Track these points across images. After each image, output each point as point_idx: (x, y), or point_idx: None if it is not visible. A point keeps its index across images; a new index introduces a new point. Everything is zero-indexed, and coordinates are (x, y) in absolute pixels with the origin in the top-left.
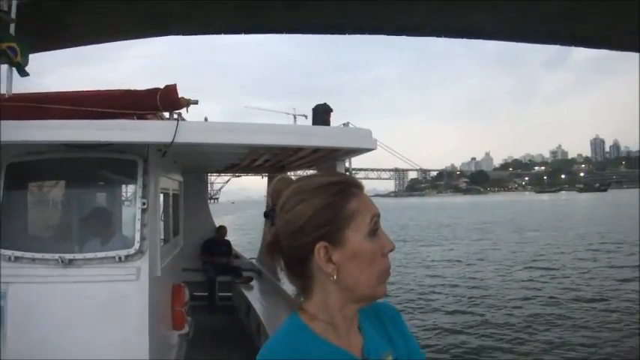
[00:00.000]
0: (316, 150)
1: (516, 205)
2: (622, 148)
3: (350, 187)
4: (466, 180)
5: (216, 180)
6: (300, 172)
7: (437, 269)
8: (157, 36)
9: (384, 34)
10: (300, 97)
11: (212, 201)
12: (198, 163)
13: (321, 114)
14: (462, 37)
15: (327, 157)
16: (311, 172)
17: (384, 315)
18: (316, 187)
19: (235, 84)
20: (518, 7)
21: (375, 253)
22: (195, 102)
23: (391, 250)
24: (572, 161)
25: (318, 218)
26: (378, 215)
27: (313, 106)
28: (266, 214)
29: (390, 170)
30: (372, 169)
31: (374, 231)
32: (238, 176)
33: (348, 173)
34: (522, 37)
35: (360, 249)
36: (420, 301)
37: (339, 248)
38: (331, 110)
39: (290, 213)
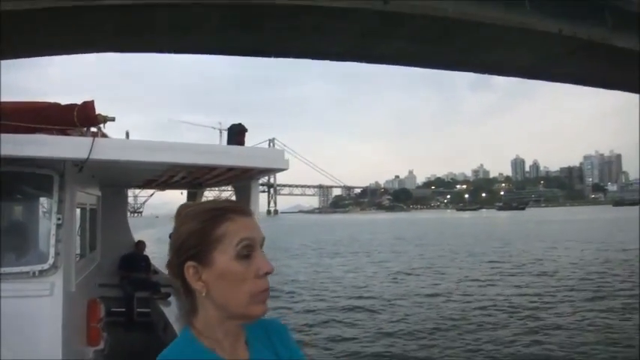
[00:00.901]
0: (231, 169)
1: (431, 222)
2: (541, 168)
3: (226, 212)
4: (389, 197)
5: (140, 193)
6: (214, 190)
7: (341, 280)
8: (85, 52)
9: (309, 58)
10: (231, 112)
11: (135, 214)
12: (117, 177)
13: (236, 134)
14: (382, 63)
15: (242, 176)
16: (228, 189)
17: (272, 330)
18: (196, 212)
19: (166, 98)
20: (435, 37)
21: (245, 274)
22: (112, 119)
23: (268, 273)
24: (493, 180)
25: (190, 240)
26: (250, 239)
27: (228, 126)
28: (170, 235)
29: (314, 187)
30: (297, 186)
31: (245, 254)
32: (163, 190)
33: (271, 189)
34: (439, 64)
35: (227, 270)
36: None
37: (208, 268)
38: (246, 130)
39: (174, 235)
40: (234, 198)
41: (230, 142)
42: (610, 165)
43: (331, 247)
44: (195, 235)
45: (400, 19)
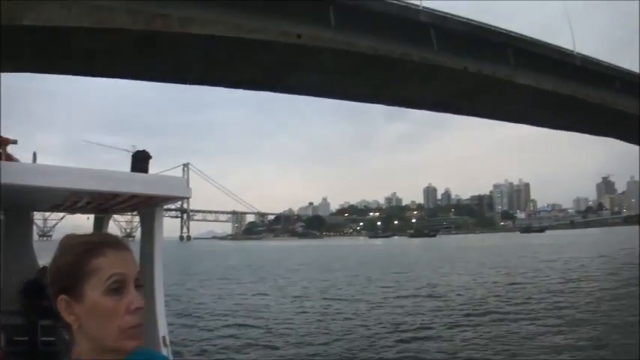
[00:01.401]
0: (134, 196)
1: (340, 249)
2: (453, 196)
3: (101, 246)
4: (302, 224)
5: (49, 217)
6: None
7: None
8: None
9: (222, 86)
10: (148, 135)
11: (45, 238)
12: (20, 201)
13: (140, 161)
14: (295, 93)
15: (146, 203)
16: (134, 216)
17: None
18: (72, 245)
19: (83, 119)
20: (348, 70)
21: (116, 309)
22: (15, 142)
23: (139, 308)
24: (406, 208)
25: (63, 273)
26: (121, 274)
27: (133, 152)
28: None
29: (228, 213)
30: (211, 212)
31: (115, 289)
32: (72, 214)
33: (185, 215)
34: (353, 97)
35: (97, 305)
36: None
37: (79, 302)
38: (150, 157)
39: (50, 266)
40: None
41: (134, 168)
42: (519, 193)
43: (237, 272)
44: (68, 268)
45: (313, 52)
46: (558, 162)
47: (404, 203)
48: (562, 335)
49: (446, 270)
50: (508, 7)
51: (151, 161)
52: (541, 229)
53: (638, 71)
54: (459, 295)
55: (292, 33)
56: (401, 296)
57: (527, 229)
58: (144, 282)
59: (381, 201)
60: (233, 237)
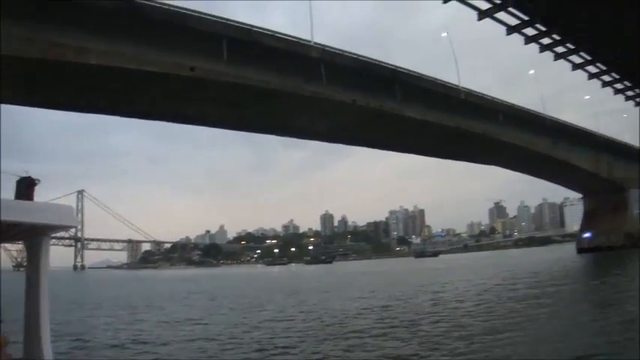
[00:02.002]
0: (17, 224)
1: (234, 276)
2: (349, 223)
3: None
4: (199, 252)
5: None
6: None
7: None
8: None
9: (117, 115)
10: (44, 160)
11: None
12: None
13: (25, 187)
14: (189, 123)
15: (30, 232)
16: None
17: None
18: None
19: None
20: (241, 102)
21: None
22: None
23: None
24: (303, 235)
25: None
26: None
27: (18, 179)
28: None
29: (123, 241)
30: (105, 240)
31: None
32: None
33: (78, 243)
34: (247, 127)
35: None
36: None
37: None
38: (35, 184)
39: None
40: None
41: (18, 195)
42: (414, 219)
43: (125, 301)
44: None
45: (207, 85)
46: (453, 188)
47: (301, 230)
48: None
49: (331, 295)
50: (404, 43)
51: (38, 188)
52: (434, 254)
53: (520, 105)
54: (333, 317)
55: (186, 65)
56: (280, 319)
57: (421, 254)
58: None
59: (279, 228)
60: (128, 266)
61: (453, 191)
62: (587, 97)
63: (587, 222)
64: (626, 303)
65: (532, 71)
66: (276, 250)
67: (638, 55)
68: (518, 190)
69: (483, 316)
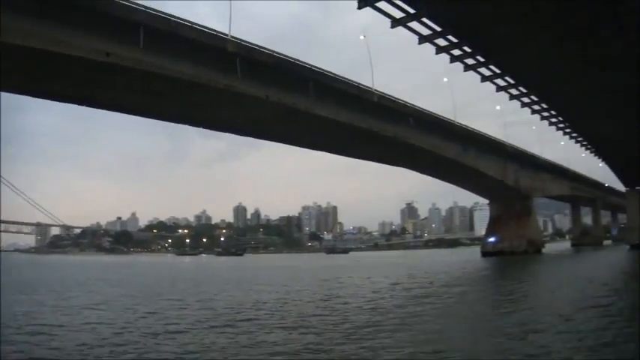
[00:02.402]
0: None
1: (144, 265)
2: (262, 216)
3: None
4: (110, 239)
5: None
6: None
7: None
8: None
9: (29, 95)
10: None
11: None
12: None
13: None
14: (104, 109)
15: None
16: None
17: None
18: None
19: None
20: (156, 91)
21: None
22: None
23: None
24: (215, 226)
25: None
26: None
27: None
28: None
29: (32, 224)
30: (13, 222)
31: None
32: None
33: None
34: (161, 116)
35: None
36: None
37: None
38: None
39: None
40: None
41: None
42: (327, 216)
43: (26, 287)
44: None
45: (123, 72)
46: (366, 187)
47: (214, 221)
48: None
49: (230, 286)
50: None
51: None
52: (345, 251)
53: (431, 111)
54: (230, 307)
55: (102, 51)
56: (178, 307)
57: (332, 250)
58: None
59: (191, 218)
60: (36, 250)
61: (367, 190)
62: (497, 107)
63: (493, 227)
64: (517, 305)
65: (445, 79)
66: (187, 240)
67: (543, 70)
68: (431, 192)
69: (368, 311)
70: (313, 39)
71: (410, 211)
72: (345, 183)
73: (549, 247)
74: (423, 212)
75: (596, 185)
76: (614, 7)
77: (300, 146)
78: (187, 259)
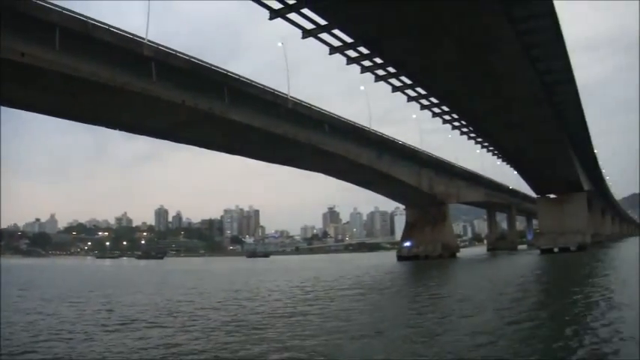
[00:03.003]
0: None
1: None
2: (184, 219)
3: None
4: (27, 241)
5: None
6: None
7: None
8: None
9: None
10: None
11: None
12: None
13: None
14: (23, 109)
15: None
16: None
17: None
18: None
19: None
20: (71, 92)
21: None
22: None
23: None
24: (136, 229)
25: None
26: None
27: None
28: None
29: None
30: None
31: None
32: None
33: None
34: (74, 117)
35: None
36: None
37: None
38: None
39: None
40: None
41: None
42: (249, 219)
43: None
44: None
45: (40, 72)
46: (289, 191)
47: (135, 224)
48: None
49: (136, 289)
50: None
51: None
52: (266, 255)
53: (347, 118)
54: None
55: (17, 50)
56: (74, 309)
57: (253, 254)
58: None
59: (112, 221)
60: None
61: (290, 194)
62: (414, 115)
63: (409, 232)
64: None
65: (362, 87)
66: (107, 243)
67: (448, 82)
68: (353, 197)
69: (262, 314)
70: (242, 41)
71: (332, 215)
72: (269, 187)
73: (466, 252)
74: (345, 217)
75: (511, 192)
76: (515, 27)
77: (218, 150)
78: (108, 262)
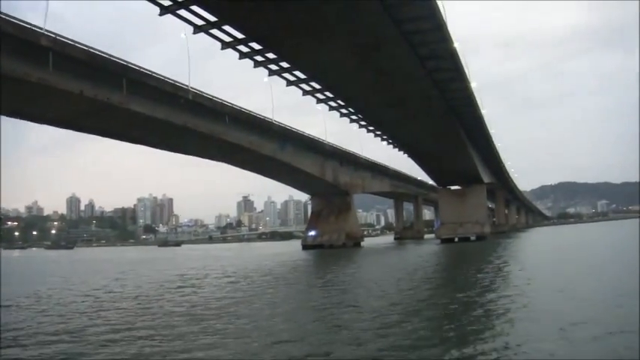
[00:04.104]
0: None
1: None
2: (97, 208)
3: None
4: None
5: None
6: None
7: None
8: None
9: None
10: None
11: None
12: None
13: None
14: None
15: None
16: None
17: None
18: None
19: None
20: None
21: None
22: None
23: None
24: (47, 218)
25: None
26: None
27: None
28: None
29: None
30: None
31: None
32: None
33: None
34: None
35: None
36: None
37: None
38: None
39: None
40: None
41: None
42: (162, 208)
43: None
44: None
45: None
46: (205, 180)
47: (46, 213)
48: None
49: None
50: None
51: None
52: (177, 244)
53: (248, 109)
54: None
55: None
56: None
57: (164, 243)
58: None
59: (22, 209)
60: None
61: (205, 183)
62: (319, 107)
63: (314, 221)
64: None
65: (266, 79)
66: (16, 233)
67: (339, 75)
68: (268, 186)
69: (125, 308)
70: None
71: (246, 204)
72: (184, 176)
73: (373, 241)
74: (259, 205)
75: (418, 183)
76: (400, 28)
77: (122, 140)
78: (16, 253)
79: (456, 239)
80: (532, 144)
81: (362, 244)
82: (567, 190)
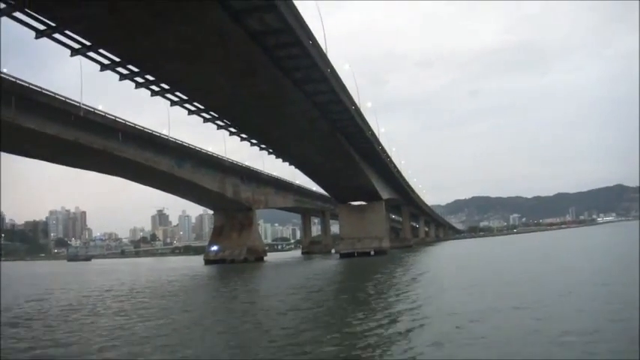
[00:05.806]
0: None
1: None
2: (7, 221)
3: None
4: None
5: None
6: None
7: None
8: None
9: None
10: None
11: None
12: None
13: None
14: None
15: None
16: None
17: None
18: None
19: None
20: None
21: None
22: None
23: None
24: None
25: None
26: None
27: None
28: None
29: None
30: None
31: None
32: None
33: None
34: None
35: None
36: None
37: None
38: None
39: None
40: None
41: None
42: (75, 221)
43: None
44: None
45: None
46: (119, 193)
47: None
48: None
49: None
50: None
51: None
52: (87, 258)
53: (142, 126)
54: None
55: None
56: None
57: (74, 258)
58: None
59: None
60: None
61: (119, 196)
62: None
63: (216, 236)
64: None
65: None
66: None
67: (224, 100)
68: (182, 200)
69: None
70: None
71: (161, 217)
72: (99, 190)
73: (283, 255)
74: (174, 219)
75: (324, 198)
76: (272, 53)
77: (19, 155)
78: None
79: (355, 254)
80: (448, 159)
81: (265, 258)
82: (481, 204)
